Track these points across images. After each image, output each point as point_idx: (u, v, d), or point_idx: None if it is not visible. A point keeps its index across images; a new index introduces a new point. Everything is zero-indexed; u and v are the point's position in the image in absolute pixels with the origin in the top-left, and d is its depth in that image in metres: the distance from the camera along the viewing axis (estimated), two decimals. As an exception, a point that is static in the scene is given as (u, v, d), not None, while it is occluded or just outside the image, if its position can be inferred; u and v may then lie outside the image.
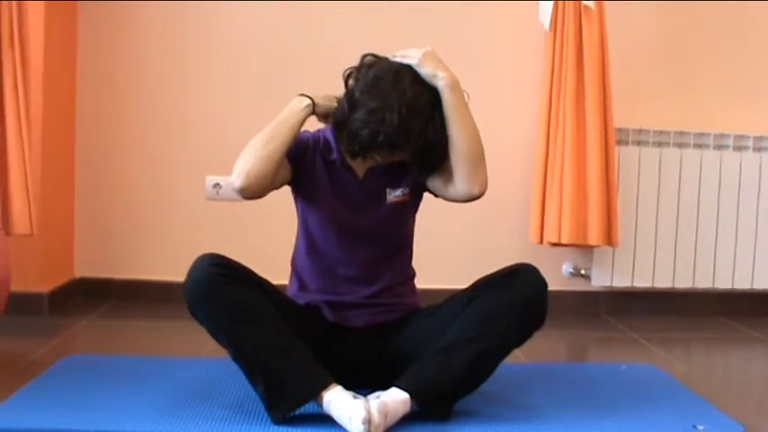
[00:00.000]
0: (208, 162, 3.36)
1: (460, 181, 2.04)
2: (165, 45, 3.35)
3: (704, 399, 2.25)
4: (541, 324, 2.04)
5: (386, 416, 1.85)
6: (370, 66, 2.03)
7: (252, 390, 1.98)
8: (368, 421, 1.79)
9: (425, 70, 1.99)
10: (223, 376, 2.25)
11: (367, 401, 1.85)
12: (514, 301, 2.00)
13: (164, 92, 3.35)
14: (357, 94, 1.99)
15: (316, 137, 2.15)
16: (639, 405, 2.18)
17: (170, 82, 3.35)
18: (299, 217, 2.20)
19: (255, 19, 3.35)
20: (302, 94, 2.07)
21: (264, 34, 3.35)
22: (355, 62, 3.19)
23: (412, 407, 1.92)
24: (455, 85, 2.00)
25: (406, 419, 1.91)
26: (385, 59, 2.05)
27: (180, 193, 3.37)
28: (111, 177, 3.36)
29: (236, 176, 1.96)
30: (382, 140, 1.95)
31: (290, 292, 2.21)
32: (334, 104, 2.07)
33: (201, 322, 1.95)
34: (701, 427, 2.00)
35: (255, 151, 1.98)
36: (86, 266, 3.37)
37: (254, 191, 1.97)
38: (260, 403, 1.98)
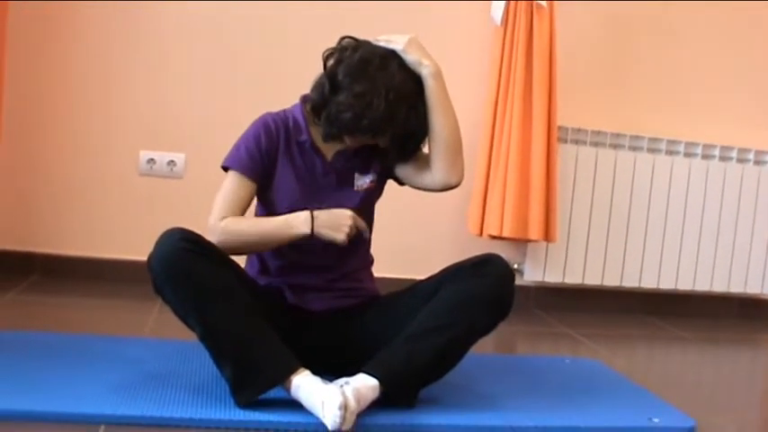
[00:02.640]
0: (142, 136, 3.23)
1: (438, 170, 2.03)
2: (100, 21, 3.17)
3: (651, 393, 2.31)
4: (507, 314, 2.05)
5: (359, 402, 1.81)
6: (355, 48, 1.97)
7: (209, 372, 1.93)
8: (344, 407, 1.75)
9: (411, 57, 1.97)
10: (172, 357, 2.19)
11: (340, 387, 1.81)
12: (483, 291, 1.99)
13: (96, 63, 3.18)
14: (340, 77, 1.94)
15: (283, 119, 2.08)
16: (592, 397, 2.23)
17: (103, 54, 3.19)
18: (261, 202, 2.13)
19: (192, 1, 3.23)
20: (311, 213, 1.95)
21: (201, 13, 3.23)
22: (297, 49, 3.14)
23: (380, 393, 1.89)
24: (439, 74, 1.99)
25: (372, 407, 1.88)
26: (367, 42, 2.01)
27: (111, 167, 3.22)
28: (37, 147, 3.17)
29: (217, 240, 1.94)
30: (366, 125, 1.91)
31: (250, 274, 2.14)
32: (335, 236, 1.94)
33: (167, 300, 1.86)
34: (656, 420, 2.05)
35: (243, 242, 1.97)
36: (6, 239, 3.17)
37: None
38: (220, 386, 1.92)
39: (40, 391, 1.84)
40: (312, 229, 1.93)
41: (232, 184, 2.01)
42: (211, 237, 1.93)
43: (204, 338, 1.86)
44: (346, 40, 2.03)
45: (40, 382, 1.90)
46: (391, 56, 1.96)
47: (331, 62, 1.99)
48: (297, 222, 1.94)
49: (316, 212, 1.95)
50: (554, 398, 2.18)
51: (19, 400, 1.77)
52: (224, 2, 3.24)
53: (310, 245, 2.03)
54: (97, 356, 2.15)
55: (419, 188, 2.13)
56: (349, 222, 1.95)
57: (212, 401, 1.88)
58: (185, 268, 1.82)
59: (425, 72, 1.97)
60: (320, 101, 1.97)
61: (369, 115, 1.90)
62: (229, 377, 1.86)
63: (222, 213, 1.97)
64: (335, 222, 1.94)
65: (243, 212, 2.01)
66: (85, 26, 3.17)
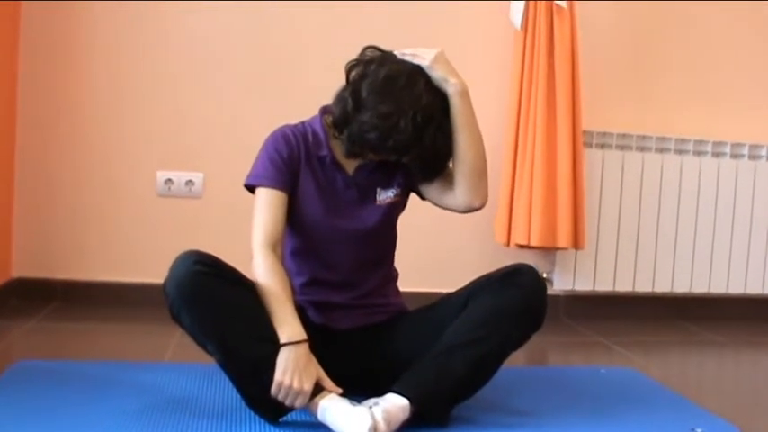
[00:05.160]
0: (158, 156, 3.19)
1: (462, 192, 1.96)
2: (114, 40, 3.14)
3: (690, 401, 2.22)
4: (540, 326, 1.97)
5: (389, 423, 1.75)
6: (381, 63, 1.88)
7: (230, 397, 1.89)
8: (374, 429, 1.68)
9: (437, 74, 1.88)
10: (193, 382, 2.13)
11: (369, 409, 1.74)
12: (514, 303, 1.91)
13: (111, 86, 3.15)
14: (365, 94, 1.85)
15: (302, 132, 2.00)
16: (631, 408, 2.15)
17: (117, 76, 3.16)
18: None
19: (206, 15, 3.18)
20: (297, 344, 1.80)
21: (215, 30, 3.20)
22: (313, 60, 3.03)
23: (411, 412, 1.82)
24: (465, 93, 1.90)
25: (404, 427, 1.81)
26: (392, 56, 1.92)
27: (129, 189, 3.18)
28: (55, 172, 3.14)
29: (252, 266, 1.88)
30: (391, 146, 1.84)
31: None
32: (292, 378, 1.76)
33: (185, 326, 1.79)
34: (699, 430, 1.97)
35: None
36: (25, 266, 3.14)
37: None
38: (241, 411, 1.86)
39: (59, 420, 1.80)
40: (282, 346, 1.77)
41: (264, 202, 1.92)
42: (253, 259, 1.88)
43: (225, 362, 1.80)
44: (370, 50, 1.94)
45: (59, 411, 1.85)
46: (418, 73, 1.87)
47: (354, 75, 1.90)
48: (283, 329, 1.79)
49: (300, 350, 1.78)
50: (591, 410, 2.10)
51: (39, 428, 1.74)
52: (239, 21, 3.20)
53: (332, 260, 1.98)
54: (117, 383, 2.09)
55: (441, 206, 2.05)
56: (305, 390, 1.75)
57: (234, 427, 1.82)
58: (201, 292, 1.76)
59: (451, 90, 1.88)
60: (343, 117, 1.89)
61: (395, 136, 1.82)
62: (252, 402, 1.80)
63: (261, 236, 1.88)
64: (301, 373, 1.76)
65: (282, 228, 1.92)
66: (99, 48, 3.14)
